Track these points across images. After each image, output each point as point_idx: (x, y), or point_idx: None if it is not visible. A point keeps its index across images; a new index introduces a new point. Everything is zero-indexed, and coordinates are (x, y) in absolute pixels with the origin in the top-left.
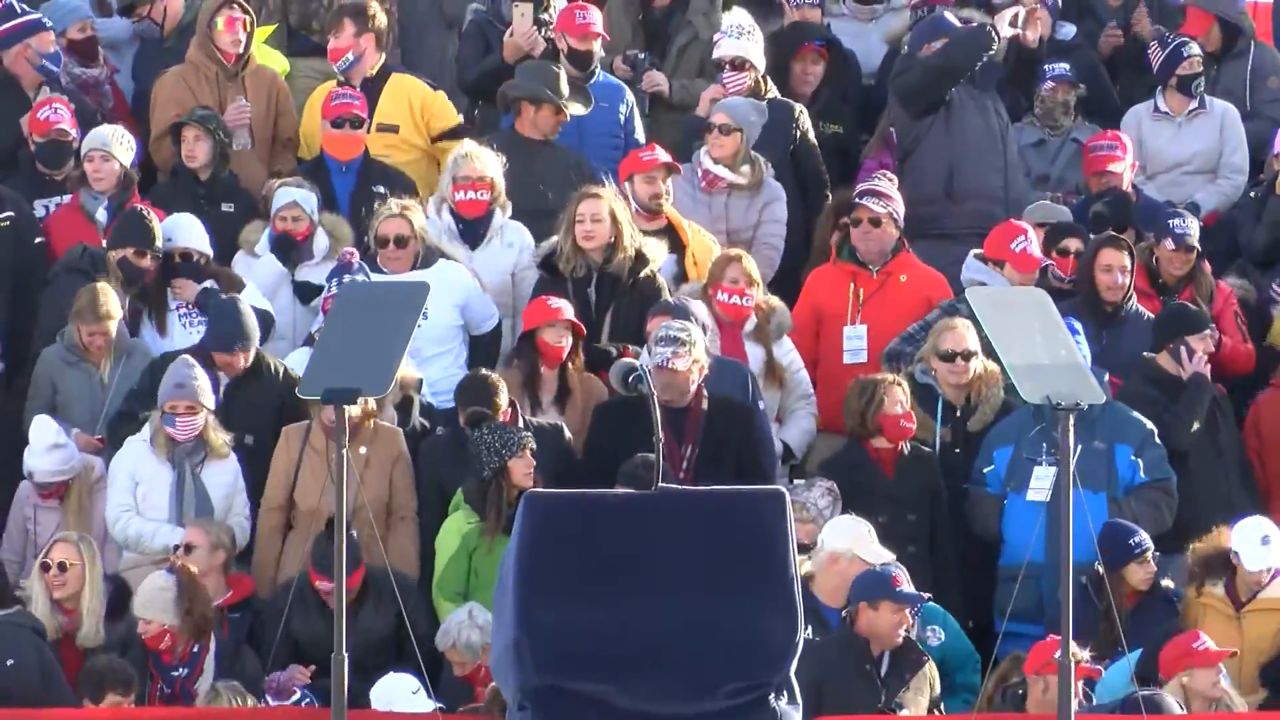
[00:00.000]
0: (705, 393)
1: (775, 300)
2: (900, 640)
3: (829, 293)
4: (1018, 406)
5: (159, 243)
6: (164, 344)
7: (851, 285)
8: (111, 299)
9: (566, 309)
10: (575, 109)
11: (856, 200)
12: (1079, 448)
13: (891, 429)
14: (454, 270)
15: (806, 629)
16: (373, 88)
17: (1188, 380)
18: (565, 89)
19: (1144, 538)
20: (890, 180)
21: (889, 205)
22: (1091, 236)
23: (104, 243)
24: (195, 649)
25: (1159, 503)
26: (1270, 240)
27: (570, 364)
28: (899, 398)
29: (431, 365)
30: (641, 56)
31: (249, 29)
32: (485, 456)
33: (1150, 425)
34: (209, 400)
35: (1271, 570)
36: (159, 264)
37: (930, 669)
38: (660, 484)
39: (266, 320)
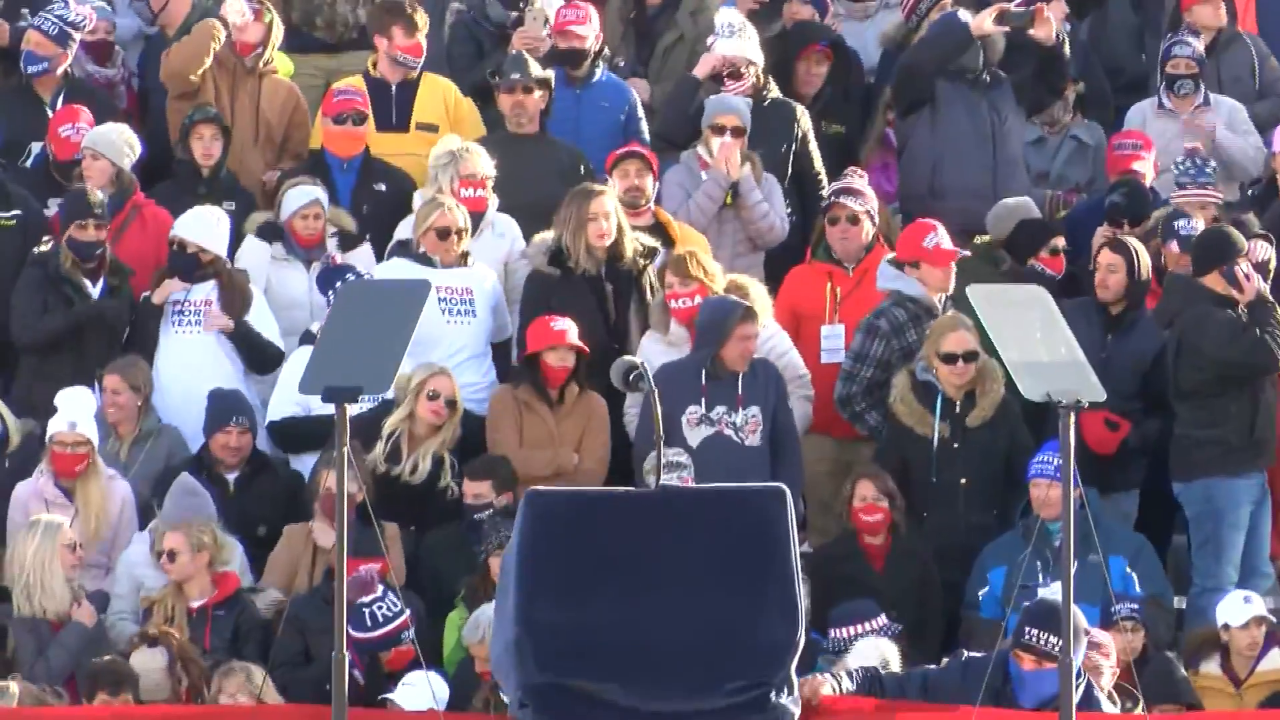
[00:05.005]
0: None
1: (751, 286)
2: None
3: (806, 292)
4: (1016, 403)
5: (98, 208)
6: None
7: (829, 284)
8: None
9: (571, 332)
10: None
11: (833, 199)
12: (1076, 563)
13: (860, 523)
14: (489, 273)
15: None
16: (410, 87)
17: (1254, 300)
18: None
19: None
20: (861, 176)
21: (865, 203)
22: (1106, 227)
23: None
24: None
25: (1156, 619)
26: None
27: (572, 383)
28: (865, 493)
29: (482, 362)
30: (622, 64)
31: (266, 22)
32: (480, 540)
33: (1145, 540)
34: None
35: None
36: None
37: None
38: (662, 482)
39: (276, 354)
